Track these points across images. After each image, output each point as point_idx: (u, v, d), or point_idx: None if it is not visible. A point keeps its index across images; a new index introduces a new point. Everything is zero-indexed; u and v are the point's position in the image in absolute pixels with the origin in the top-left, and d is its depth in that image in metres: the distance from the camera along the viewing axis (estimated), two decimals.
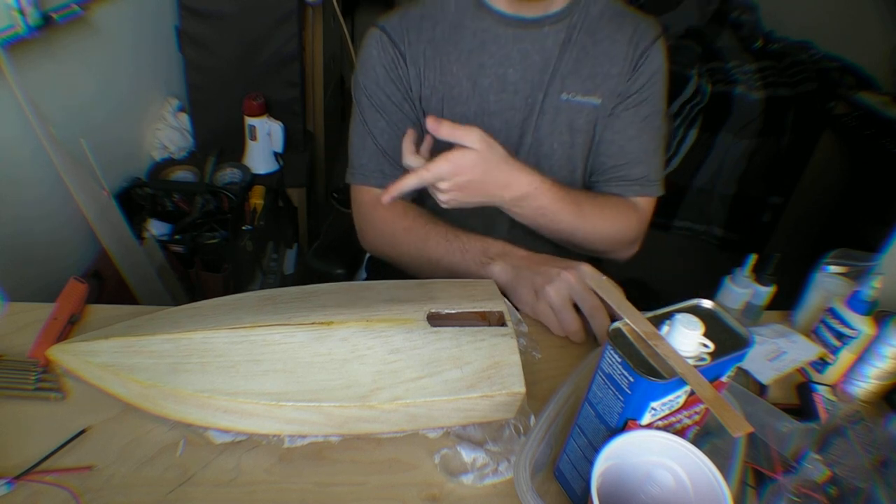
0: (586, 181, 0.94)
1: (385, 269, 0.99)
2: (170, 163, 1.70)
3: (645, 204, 0.91)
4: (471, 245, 0.81)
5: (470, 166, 0.71)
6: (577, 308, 0.73)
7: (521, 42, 0.85)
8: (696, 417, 0.52)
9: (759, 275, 0.77)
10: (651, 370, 0.44)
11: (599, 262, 0.98)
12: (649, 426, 0.47)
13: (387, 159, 0.90)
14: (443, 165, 0.71)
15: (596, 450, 0.46)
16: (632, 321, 0.48)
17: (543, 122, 0.87)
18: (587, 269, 0.73)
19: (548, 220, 0.81)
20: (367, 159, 0.91)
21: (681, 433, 0.50)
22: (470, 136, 0.70)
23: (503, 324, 0.64)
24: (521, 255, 0.79)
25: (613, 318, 0.50)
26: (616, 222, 0.87)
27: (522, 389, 0.58)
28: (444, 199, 0.75)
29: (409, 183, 0.72)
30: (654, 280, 1.03)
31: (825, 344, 0.72)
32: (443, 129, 0.70)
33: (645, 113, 0.88)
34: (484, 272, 0.78)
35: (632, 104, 0.87)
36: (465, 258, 0.80)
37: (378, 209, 0.90)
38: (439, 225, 0.85)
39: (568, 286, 0.72)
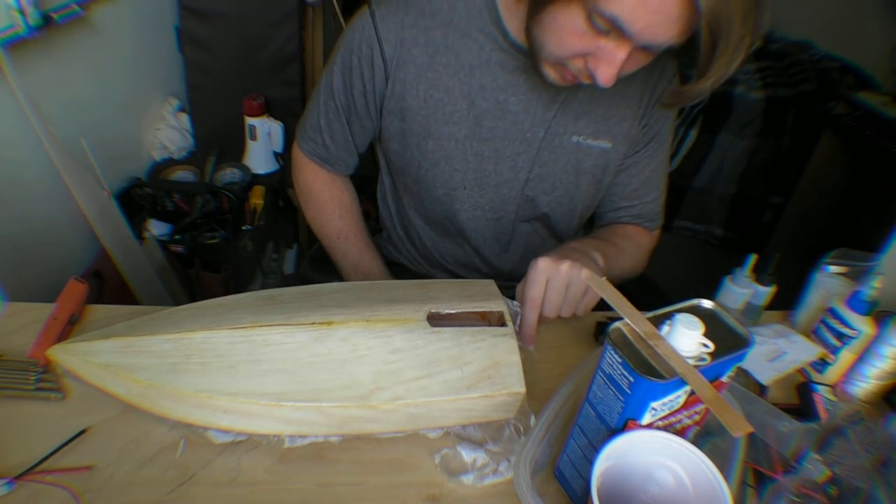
0: (598, 217, 0.96)
1: None
2: (170, 163, 1.69)
3: (653, 231, 0.96)
4: (350, 255, 0.93)
5: (542, 268, 0.69)
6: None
7: (530, 72, 0.77)
8: (696, 417, 0.52)
9: (759, 275, 0.77)
10: (651, 370, 0.44)
11: None
12: (649, 426, 0.47)
13: (332, 137, 0.90)
14: (529, 291, 0.69)
15: (596, 450, 0.46)
16: (632, 321, 0.48)
17: (547, 160, 0.83)
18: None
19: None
20: (314, 130, 0.92)
21: (681, 433, 0.50)
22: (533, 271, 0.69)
23: (503, 324, 0.64)
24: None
25: (613, 318, 0.50)
26: (634, 257, 0.91)
27: (522, 389, 0.58)
28: (583, 273, 0.69)
29: (532, 317, 0.70)
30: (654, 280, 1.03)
31: (825, 344, 0.72)
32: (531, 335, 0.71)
33: (659, 157, 0.89)
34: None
35: (648, 149, 0.88)
36: (343, 262, 0.94)
37: (315, 184, 0.96)
38: (347, 222, 0.94)
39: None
